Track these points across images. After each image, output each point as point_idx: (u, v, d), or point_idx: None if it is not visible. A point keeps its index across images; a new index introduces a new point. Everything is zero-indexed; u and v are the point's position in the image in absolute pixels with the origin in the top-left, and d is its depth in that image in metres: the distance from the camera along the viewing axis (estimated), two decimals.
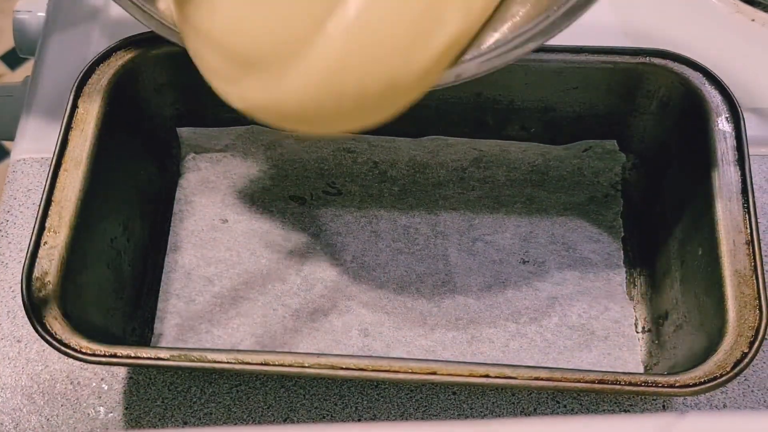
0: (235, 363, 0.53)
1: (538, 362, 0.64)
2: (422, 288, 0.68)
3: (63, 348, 0.53)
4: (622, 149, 0.70)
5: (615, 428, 0.61)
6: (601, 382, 0.52)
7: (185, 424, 0.62)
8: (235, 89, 0.48)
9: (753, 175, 0.59)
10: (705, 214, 0.58)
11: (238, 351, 0.54)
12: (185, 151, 0.73)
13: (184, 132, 0.72)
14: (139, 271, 0.67)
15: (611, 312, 0.66)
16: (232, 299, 0.68)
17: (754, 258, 0.56)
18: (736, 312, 0.54)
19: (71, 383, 0.63)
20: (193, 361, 0.53)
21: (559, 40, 0.64)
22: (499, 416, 0.62)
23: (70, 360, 0.62)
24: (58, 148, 0.60)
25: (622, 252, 0.69)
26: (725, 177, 0.59)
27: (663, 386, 0.52)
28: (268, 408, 0.62)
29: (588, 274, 0.68)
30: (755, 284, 0.55)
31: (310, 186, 0.73)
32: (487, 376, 0.52)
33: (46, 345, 0.54)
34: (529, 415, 0.62)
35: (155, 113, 0.70)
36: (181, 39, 0.50)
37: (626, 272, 0.68)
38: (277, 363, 0.53)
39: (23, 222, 0.69)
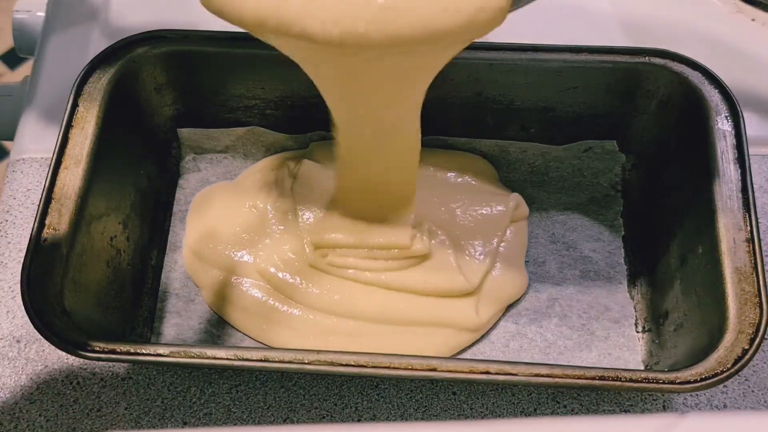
0: (234, 359, 0.53)
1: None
2: None
3: (62, 344, 0.53)
4: (622, 149, 0.70)
5: (615, 428, 0.60)
6: (601, 378, 0.52)
7: (185, 424, 0.61)
8: None
9: (753, 175, 0.59)
10: (705, 213, 0.58)
11: (238, 348, 0.54)
12: (185, 151, 0.73)
13: (184, 132, 0.72)
14: (138, 270, 0.67)
15: (611, 312, 0.66)
16: None
17: (755, 255, 0.56)
18: (736, 309, 0.54)
19: (71, 383, 0.63)
20: (193, 357, 0.53)
21: (559, 39, 0.64)
22: (499, 416, 0.61)
23: (70, 360, 0.62)
24: (58, 145, 0.60)
25: (622, 251, 0.69)
26: (725, 175, 0.59)
27: (664, 383, 0.52)
28: (267, 408, 0.62)
29: (588, 273, 0.68)
30: (755, 281, 0.55)
31: None
32: (487, 372, 0.52)
33: (46, 345, 0.54)
34: (529, 415, 0.61)
35: (155, 113, 0.70)
36: None
37: (627, 271, 0.68)
38: (276, 360, 0.53)
39: (22, 222, 0.69)
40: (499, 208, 0.70)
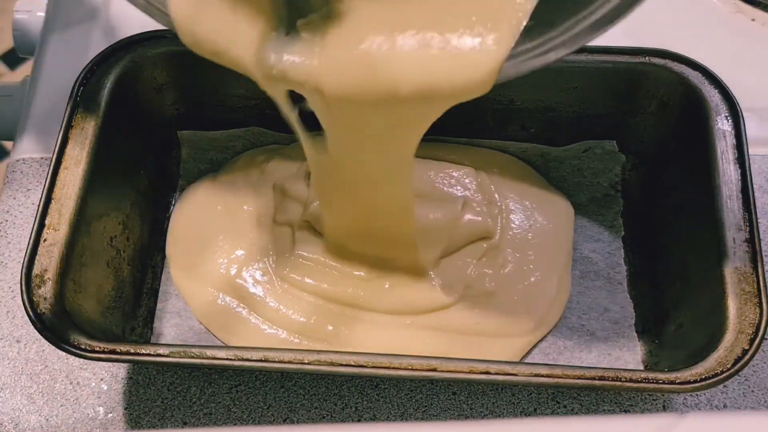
0: (234, 360, 0.53)
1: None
2: None
3: (62, 345, 0.53)
4: (622, 149, 0.70)
5: (615, 428, 0.61)
6: (601, 378, 0.52)
7: (185, 424, 0.61)
8: None
9: (753, 175, 0.59)
10: (705, 213, 0.58)
11: (238, 348, 0.54)
12: (185, 151, 0.73)
13: (184, 133, 0.72)
14: (138, 270, 0.67)
15: (611, 312, 0.66)
16: None
17: (754, 255, 0.56)
18: (736, 309, 0.54)
19: (71, 383, 0.63)
20: (193, 357, 0.53)
21: None
22: (499, 416, 0.61)
23: (70, 360, 0.62)
24: (58, 146, 0.60)
25: (622, 251, 0.69)
26: (725, 175, 0.59)
27: (664, 383, 0.52)
28: (267, 408, 0.62)
29: (588, 274, 0.68)
30: (755, 281, 0.55)
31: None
32: (487, 372, 0.52)
33: (46, 345, 0.54)
34: (529, 415, 0.61)
35: (155, 113, 0.70)
36: (170, 23, 0.49)
37: (627, 271, 0.68)
38: (276, 360, 0.53)
39: (22, 222, 0.69)
40: (563, 217, 0.70)
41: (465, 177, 0.71)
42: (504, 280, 0.67)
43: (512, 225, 0.69)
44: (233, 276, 0.67)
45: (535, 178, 0.72)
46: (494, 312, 0.65)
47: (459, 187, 0.70)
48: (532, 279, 0.67)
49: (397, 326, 0.65)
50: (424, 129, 0.54)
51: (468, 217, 0.68)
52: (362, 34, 0.46)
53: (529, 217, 0.70)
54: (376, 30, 0.46)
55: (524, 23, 0.44)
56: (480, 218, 0.68)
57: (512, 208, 0.70)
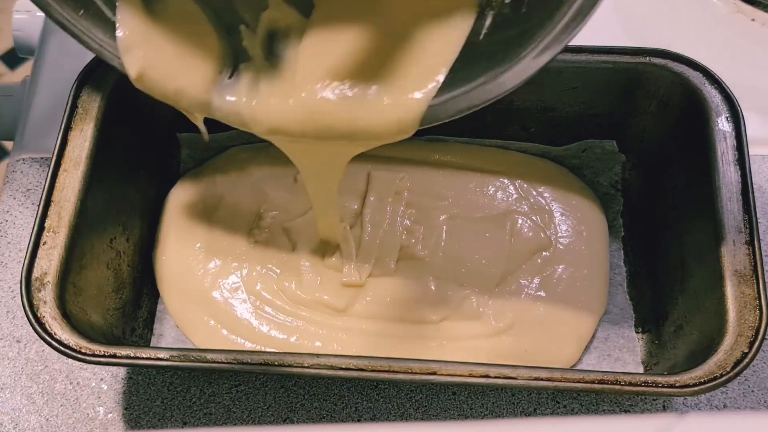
0: (234, 363, 0.53)
1: None
2: None
3: (62, 348, 0.53)
4: (622, 149, 0.70)
5: (615, 428, 0.61)
6: (601, 382, 0.52)
7: (185, 424, 0.62)
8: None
9: (753, 175, 0.59)
10: (705, 214, 0.58)
11: (238, 351, 0.54)
12: (185, 152, 0.73)
13: (184, 135, 0.72)
14: (138, 271, 0.67)
15: (611, 314, 0.66)
16: None
17: (754, 258, 0.56)
18: (736, 312, 0.54)
19: (71, 383, 0.63)
20: (193, 361, 0.53)
21: None
22: (499, 416, 0.62)
23: (70, 360, 0.62)
24: (57, 148, 0.60)
25: (622, 252, 0.69)
26: (725, 177, 0.58)
27: (663, 386, 0.52)
28: (267, 408, 0.62)
29: None
30: (755, 284, 0.55)
31: None
32: (487, 376, 0.52)
33: (46, 345, 0.53)
34: (529, 415, 0.62)
35: (154, 113, 0.69)
36: (121, 65, 0.51)
37: (626, 272, 0.68)
38: (276, 363, 0.53)
39: (23, 222, 0.69)
40: (600, 225, 0.69)
41: (503, 188, 0.70)
42: (556, 303, 0.66)
43: (563, 233, 0.68)
44: (207, 288, 0.66)
45: (565, 174, 0.72)
46: (544, 339, 0.64)
47: (499, 201, 0.70)
48: (583, 298, 0.66)
49: (430, 347, 0.64)
50: (352, 155, 0.57)
51: (520, 234, 0.68)
52: (299, 79, 0.49)
53: (580, 221, 0.69)
54: (311, 76, 0.48)
55: (442, 79, 0.47)
56: (532, 233, 0.68)
57: (558, 212, 0.69)
